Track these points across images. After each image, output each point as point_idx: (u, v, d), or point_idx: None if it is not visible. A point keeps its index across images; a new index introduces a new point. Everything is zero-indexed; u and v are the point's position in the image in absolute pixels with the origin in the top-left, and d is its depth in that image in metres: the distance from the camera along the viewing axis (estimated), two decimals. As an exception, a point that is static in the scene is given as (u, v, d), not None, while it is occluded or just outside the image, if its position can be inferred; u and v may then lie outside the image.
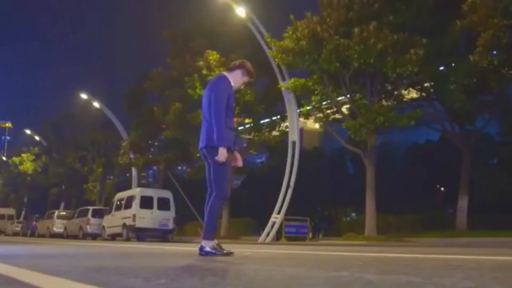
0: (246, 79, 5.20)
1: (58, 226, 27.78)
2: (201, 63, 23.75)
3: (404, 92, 20.87)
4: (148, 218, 20.47)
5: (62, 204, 44.45)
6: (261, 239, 21.07)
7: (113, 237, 21.53)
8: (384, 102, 20.30)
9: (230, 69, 5.18)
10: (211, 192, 4.90)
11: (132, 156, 32.46)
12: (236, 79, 5.12)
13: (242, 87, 5.36)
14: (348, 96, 19.90)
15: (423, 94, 21.91)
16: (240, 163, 5.10)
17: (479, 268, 3.22)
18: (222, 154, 4.73)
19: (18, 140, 59.82)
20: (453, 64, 19.53)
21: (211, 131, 4.83)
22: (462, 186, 22.02)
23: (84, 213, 25.59)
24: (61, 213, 30.53)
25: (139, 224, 20.23)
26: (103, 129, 37.98)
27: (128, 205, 20.98)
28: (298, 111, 21.49)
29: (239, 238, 24.07)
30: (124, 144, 33.13)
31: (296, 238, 20.99)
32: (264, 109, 25.04)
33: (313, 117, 22.69)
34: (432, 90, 21.24)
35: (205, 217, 4.87)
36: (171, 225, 21.03)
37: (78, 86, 42.39)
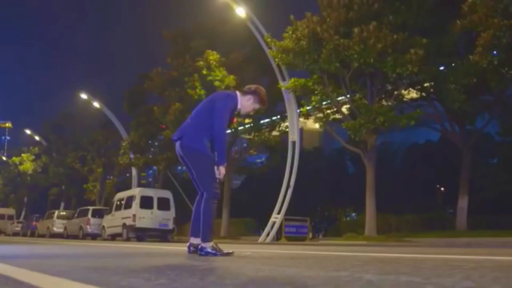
0: (257, 106, 5.11)
1: (58, 226, 27.82)
2: (201, 63, 23.76)
3: (404, 92, 20.86)
4: (148, 218, 20.49)
5: (62, 204, 44.52)
6: (261, 239, 21.09)
7: (113, 237, 21.55)
8: (384, 102, 20.30)
9: (244, 92, 5.07)
10: (201, 194, 4.88)
11: (132, 156, 32.49)
12: (246, 103, 5.03)
13: (252, 113, 5.25)
14: (348, 96, 19.90)
15: (423, 94, 21.91)
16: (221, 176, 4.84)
17: (479, 268, 3.22)
18: (223, 172, 4.76)
19: (18, 140, 59.92)
20: (453, 64, 19.53)
21: (198, 136, 4.74)
22: (462, 186, 22.04)
23: (84, 213, 25.61)
24: (61, 213, 30.55)
25: (139, 224, 20.25)
26: (103, 129, 38.06)
27: (128, 205, 21.00)
28: (298, 111, 21.49)
29: (239, 238, 24.09)
30: (124, 144, 33.17)
31: (296, 238, 21.01)
32: (264, 109, 24.98)
33: (313, 117, 22.68)
34: (432, 90, 21.24)
35: (192, 217, 4.86)
36: (171, 225, 21.05)
37: (78, 86, 42.54)
